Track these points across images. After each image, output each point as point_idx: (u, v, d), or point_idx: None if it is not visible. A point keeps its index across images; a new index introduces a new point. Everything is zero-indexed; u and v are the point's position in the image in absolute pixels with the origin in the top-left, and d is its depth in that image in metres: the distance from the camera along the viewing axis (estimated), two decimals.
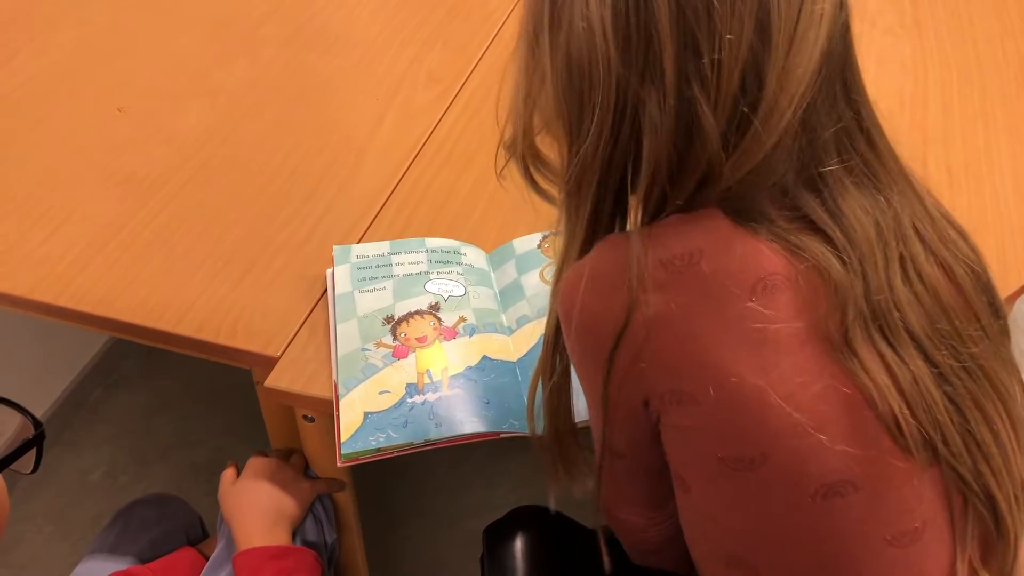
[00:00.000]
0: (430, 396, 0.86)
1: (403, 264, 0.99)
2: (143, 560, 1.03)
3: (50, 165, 1.15)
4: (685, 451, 0.67)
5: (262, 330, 0.94)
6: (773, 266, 0.60)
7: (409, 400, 0.85)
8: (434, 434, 0.83)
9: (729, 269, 0.60)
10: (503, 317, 0.95)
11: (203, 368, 1.46)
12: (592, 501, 0.79)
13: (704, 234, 0.62)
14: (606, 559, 0.81)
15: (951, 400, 0.63)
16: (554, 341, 0.72)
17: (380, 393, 0.86)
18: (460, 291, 0.96)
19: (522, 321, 0.94)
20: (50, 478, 1.63)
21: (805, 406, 0.60)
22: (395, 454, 0.84)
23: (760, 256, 0.61)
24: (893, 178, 0.65)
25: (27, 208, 1.09)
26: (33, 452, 0.59)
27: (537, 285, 0.96)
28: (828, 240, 0.61)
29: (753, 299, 0.60)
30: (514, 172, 0.71)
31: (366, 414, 0.84)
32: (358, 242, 1.05)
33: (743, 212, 0.61)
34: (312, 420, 0.94)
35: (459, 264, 0.99)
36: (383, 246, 1.02)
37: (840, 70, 0.61)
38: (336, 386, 0.87)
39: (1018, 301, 1.01)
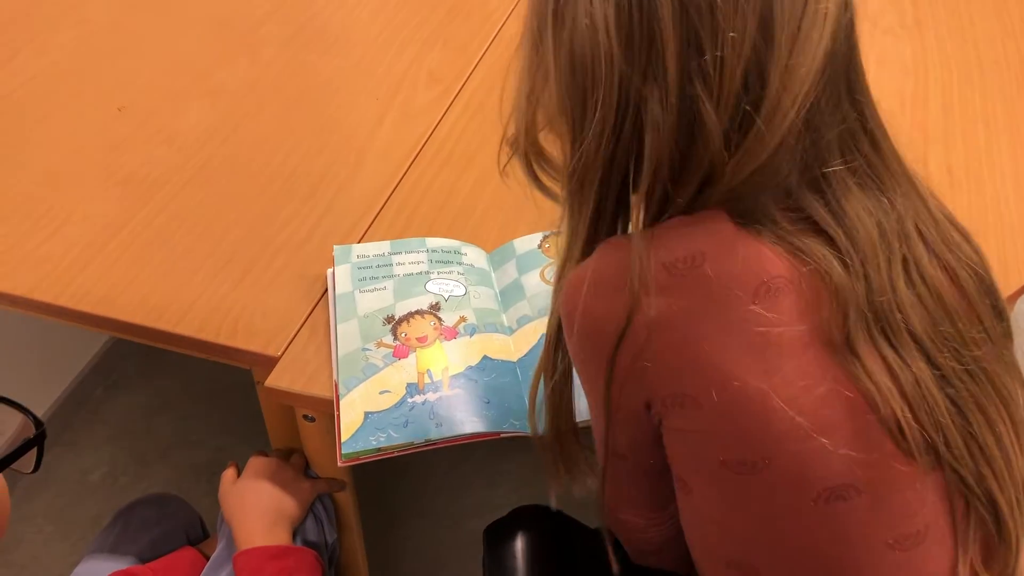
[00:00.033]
0: (431, 396, 0.86)
1: (404, 264, 0.99)
2: (143, 560, 1.03)
3: (51, 165, 1.15)
4: (687, 454, 0.67)
5: (263, 330, 0.94)
6: (776, 269, 0.60)
7: (410, 400, 0.85)
8: (434, 434, 0.83)
9: (732, 272, 0.60)
10: (504, 317, 0.95)
11: (203, 368, 1.46)
12: (593, 501, 0.79)
13: (707, 237, 0.62)
14: (613, 562, 0.81)
15: (953, 402, 0.63)
16: (556, 339, 0.71)
17: (381, 393, 0.86)
18: (461, 291, 0.96)
19: (523, 321, 0.94)
20: (50, 478, 1.63)
21: (808, 410, 0.60)
22: (395, 454, 0.84)
23: (763, 259, 0.60)
24: (897, 179, 0.65)
25: (28, 208, 1.09)
26: (34, 452, 0.59)
27: (538, 285, 0.96)
28: (831, 241, 0.61)
29: (756, 302, 0.60)
30: (517, 169, 0.71)
31: (367, 414, 0.84)
32: (359, 242, 1.05)
33: (746, 213, 0.61)
34: (312, 420, 0.94)
35: (460, 264, 0.99)
36: (384, 246, 1.02)
37: (844, 70, 0.61)
38: (336, 386, 0.87)
39: (1019, 301, 1.01)
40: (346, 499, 1.05)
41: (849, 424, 0.60)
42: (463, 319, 0.93)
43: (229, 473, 1.01)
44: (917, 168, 0.68)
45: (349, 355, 0.89)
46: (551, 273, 0.97)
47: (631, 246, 0.62)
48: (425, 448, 0.84)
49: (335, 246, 1.01)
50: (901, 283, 0.62)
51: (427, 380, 0.87)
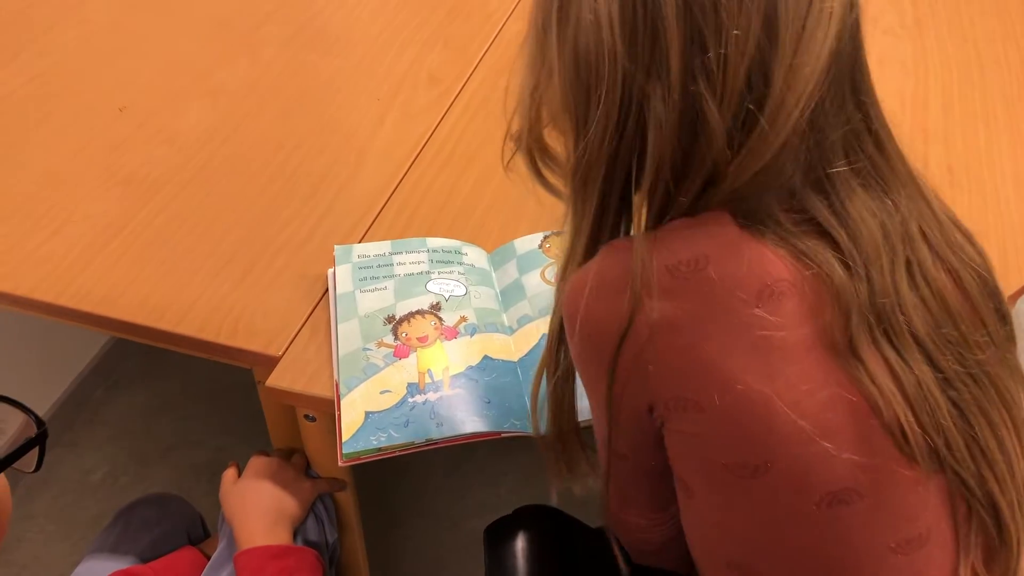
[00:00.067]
0: (431, 396, 0.86)
1: (404, 264, 0.99)
2: (144, 560, 1.03)
3: (52, 165, 1.15)
4: (689, 457, 0.67)
5: (263, 330, 0.94)
6: (779, 272, 0.60)
7: (410, 400, 0.85)
8: (435, 434, 0.83)
9: (735, 276, 0.60)
10: (504, 317, 0.95)
11: (204, 368, 1.46)
12: (594, 500, 0.79)
13: (710, 240, 0.61)
14: (621, 562, 0.81)
15: (956, 405, 0.62)
16: (558, 337, 0.71)
17: (381, 393, 0.86)
18: (461, 291, 0.96)
19: (523, 321, 0.94)
20: (51, 478, 1.63)
21: (810, 413, 0.60)
22: (396, 453, 0.84)
23: (766, 262, 0.60)
24: (901, 181, 0.65)
25: (29, 208, 1.09)
26: (36, 451, 0.59)
27: (538, 285, 0.96)
28: (834, 243, 0.61)
29: (759, 306, 0.59)
30: (520, 165, 0.71)
31: (367, 414, 0.85)
32: (359, 242, 1.05)
33: (750, 214, 0.61)
34: (313, 420, 0.95)
35: (460, 264, 0.99)
36: (384, 246, 1.02)
37: (849, 70, 0.61)
38: (337, 386, 0.87)
39: (1019, 301, 1.02)
40: (347, 499, 1.05)
41: (852, 428, 0.60)
42: (464, 319, 0.93)
43: (230, 473, 1.01)
44: (917, 168, 0.68)
45: (350, 355, 0.89)
46: (552, 273, 0.97)
47: (634, 248, 0.62)
48: (426, 448, 0.84)
49: (336, 246, 1.01)
50: (904, 285, 0.62)
51: (428, 380, 0.87)
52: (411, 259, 0.99)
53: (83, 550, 1.09)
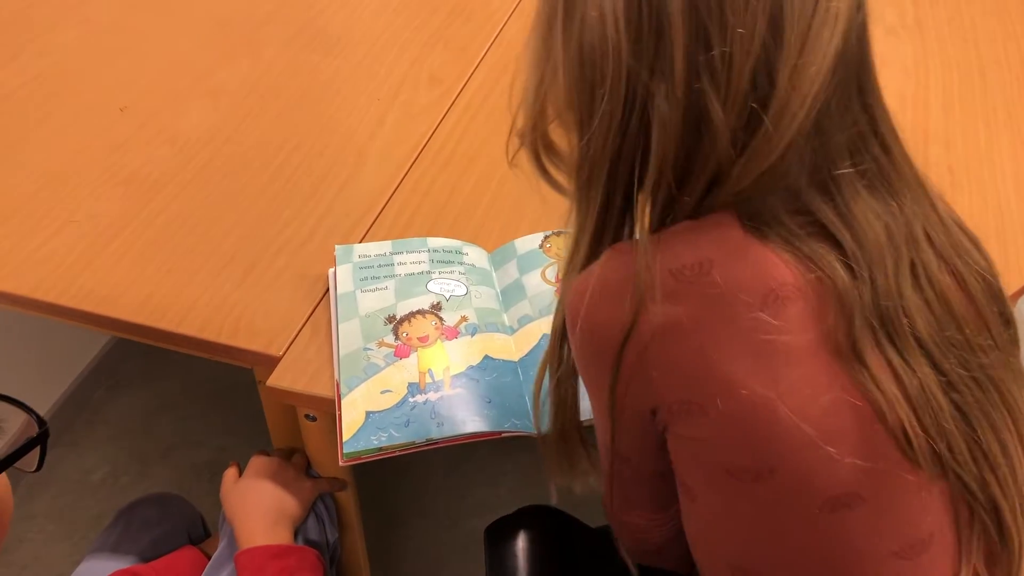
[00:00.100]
0: (432, 395, 0.86)
1: (405, 264, 0.99)
2: (145, 559, 1.03)
3: (53, 165, 1.16)
4: (692, 461, 0.67)
5: (264, 329, 0.95)
6: (783, 277, 0.60)
7: (411, 399, 0.85)
8: (436, 433, 0.83)
9: (740, 280, 0.60)
10: (505, 317, 0.95)
11: (204, 368, 1.46)
12: (594, 499, 0.79)
13: (715, 243, 0.61)
14: (630, 563, 0.81)
15: (958, 408, 0.62)
16: (561, 333, 0.71)
17: (382, 392, 0.86)
18: (462, 291, 0.96)
19: (524, 321, 0.94)
20: (52, 478, 1.63)
21: (814, 418, 0.59)
22: (397, 453, 0.84)
23: (771, 266, 0.60)
24: (907, 183, 0.64)
25: (30, 208, 1.09)
26: (37, 451, 0.59)
27: (539, 285, 0.97)
28: (838, 245, 0.61)
29: (763, 310, 0.59)
30: (524, 162, 0.71)
31: (368, 413, 0.85)
32: (360, 242, 1.05)
33: (755, 216, 0.61)
34: (314, 419, 0.95)
35: (461, 264, 1.00)
36: (385, 246, 1.02)
37: (856, 71, 0.60)
38: (338, 385, 0.87)
39: (1020, 301, 1.02)
40: (347, 498, 1.05)
41: (856, 433, 0.60)
42: (464, 319, 0.93)
43: (231, 473, 1.01)
44: (923, 171, 0.67)
45: (351, 355, 0.89)
46: (552, 273, 0.97)
47: (637, 252, 0.61)
48: (426, 447, 0.84)
49: (336, 246, 1.02)
50: (908, 287, 0.61)
51: (428, 379, 0.87)
52: (412, 259, 1.00)
53: (84, 550, 1.09)
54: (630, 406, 0.65)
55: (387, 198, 1.11)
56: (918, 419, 0.60)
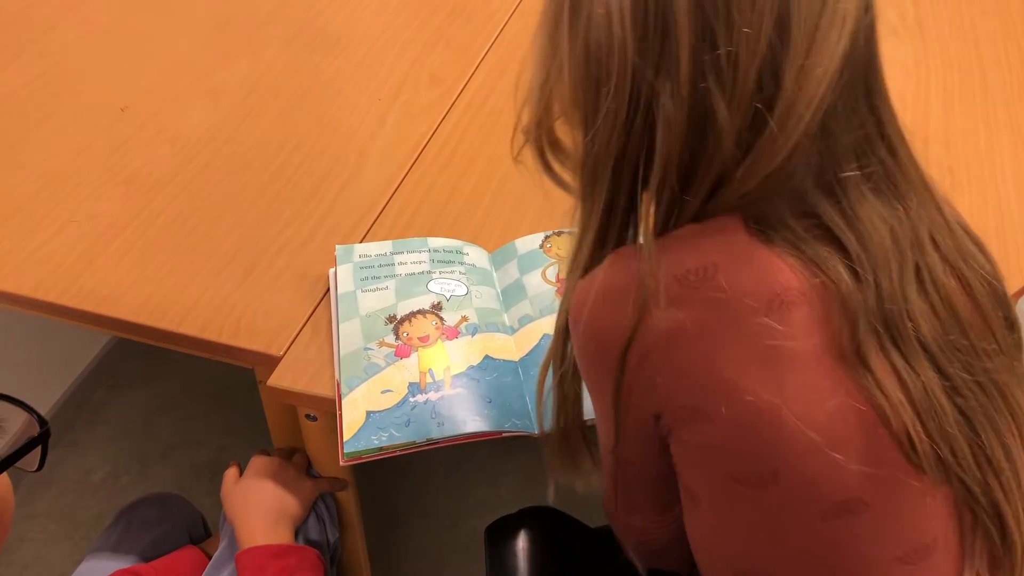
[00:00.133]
0: (432, 395, 0.86)
1: (405, 264, 0.99)
2: (146, 559, 1.03)
3: (54, 165, 1.16)
4: (696, 466, 0.67)
5: (265, 329, 0.95)
6: (788, 281, 0.59)
7: (411, 399, 0.85)
8: (436, 433, 0.83)
9: (745, 285, 0.59)
10: (505, 317, 0.95)
11: (205, 368, 1.47)
12: (595, 500, 0.79)
13: (720, 248, 0.61)
14: (637, 562, 0.81)
15: (962, 413, 0.62)
16: (565, 330, 0.70)
17: (382, 392, 0.86)
18: (462, 290, 0.96)
19: (524, 321, 0.94)
20: (53, 478, 1.63)
21: (819, 424, 0.59)
22: (397, 453, 0.84)
23: (776, 271, 0.60)
24: (913, 187, 0.64)
25: (31, 207, 1.09)
26: (38, 450, 0.59)
27: (539, 285, 0.97)
28: (843, 249, 0.60)
29: (769, 315, 0.59)
30: (529, 159, 0.70)
31: (368, 413, 0.85)
32: (360, 241, 1.05)
33: (760, 218, 0.60)
34: (315, 419, 0.95)
35: (461, 264, 1.00)
36: (385, 245, 1.02)
37: (863, 74, 0.60)
38: (338, 385, 0.87)
39: (1020, 302, 1.02)
40: (348, 498, 1.05)
41: (860, 438, 0.60)
42: (465, 319, 0.93)
43: (231, 472, 1.01)
44: (929, 174, 0.67)
45: (351, 354, 0.89)
46: (553, 273, 0.98)
47: (641, 257, 0.61)
48: (427, 447, 0.84)
49: (337, 246, 1.02)
50: (913, 291, 0.61)
51: (429, 379, 0.87)
52: (412, 259, 1.00)
53: (84, 549, 1.09)
54: (633, 411, 0.65)
55: (388, 198, 1.11)
56: (922, 423, 0.60)
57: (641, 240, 0.65)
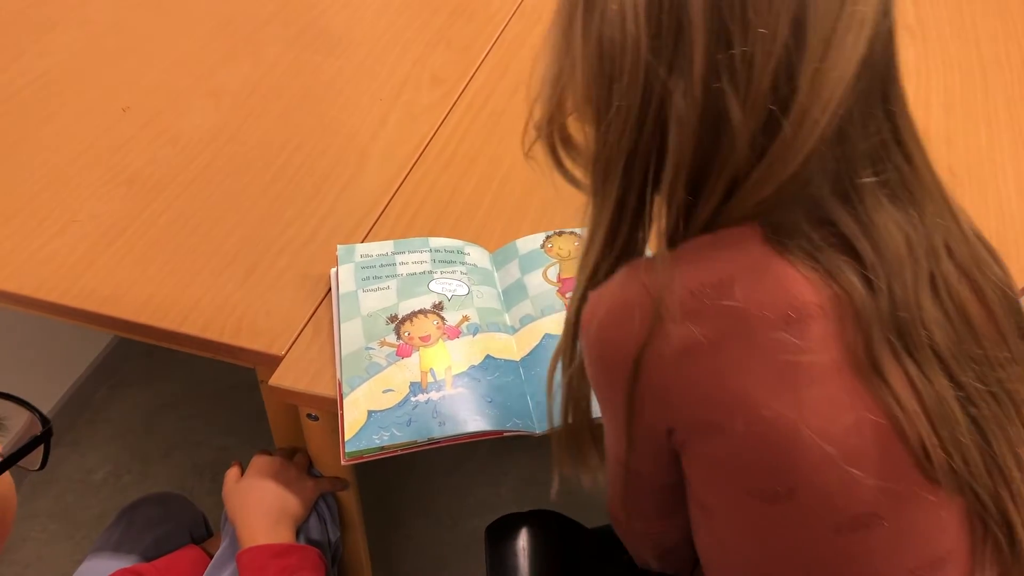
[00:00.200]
0: (434, 395, 0.86)
1: (407, 263, 0.99)
2: (147, 558, 1.03)
3: (56, 165, 1.16)
4: (710, 480, 0.66)
5: (266, 329, 0.95)
6: (805, 295, 0.59)
7: (413, 399, 0.86)
8: (438, 432, 0.83)
9: (761, 298, 0.59)
10: (506, 317, 0.96)
11: (206, 368, 1.47)
12: (595, 500, 0.78)
13: (735, 260, 0.60)
14: (647, 562, 0.80)
15: (975, 422, 0.61)
16: (574, 328, 0.69)
17: (384, 392, 0.86)
18: (463, 290, 0.96)
19: (525, 320, 0.94)
20: (54, 477, 1.63)
21: (836, 439, 0.58)
22: (399, 452, 0.84)
23: (792, 283, 0.59)
24: (929, 194, 0.63)
25: (33, 207, 1.09)
26: (40, 449, 0.59)
27: (540, 285, 0.97)
28: (857, 257, 0.60)
29: (785, 330, 0.58)
30: (540, 155, 0.70)
31: (370, 412, 0.85)
32: (362, 241, 1.05)
33: (777, 227, 0.60)
34: (316, 419, 0.95)
35: (462, 264, 1.00)
36: (387, 245, 1.02)
37: (880, 79, 0.59)
38: (340, 385, 0.87)
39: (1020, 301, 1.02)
40: (349, 498, 1.05)
41: (876, 452, 0.59)
42: (466, 318, 0.93)
43: (233, 472, 1.01)
44: (946, 182, 0.66)
45: (352, 354, 0.89)
46: (554, 273, 0.98)
47: (655, 270, 0.60)
48: (428, 447, 0.84)
49: (339, 246, 1.02)
50: (927, 299, 0.60)
51: (430, 379, 0.87)
52: (414, 259, 1.00)
53: (86, 549, 1.09)
54: (644, 423, 0.65)
55: (389, 198, 1.11)
56: (936, 433, 0.59)
57: (653, 251, 0.64)
